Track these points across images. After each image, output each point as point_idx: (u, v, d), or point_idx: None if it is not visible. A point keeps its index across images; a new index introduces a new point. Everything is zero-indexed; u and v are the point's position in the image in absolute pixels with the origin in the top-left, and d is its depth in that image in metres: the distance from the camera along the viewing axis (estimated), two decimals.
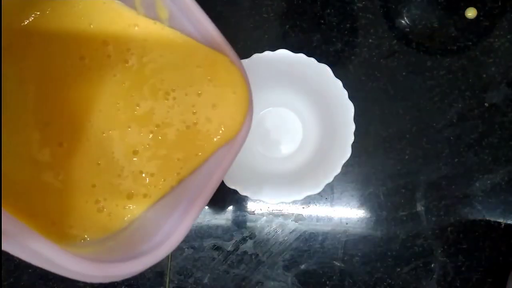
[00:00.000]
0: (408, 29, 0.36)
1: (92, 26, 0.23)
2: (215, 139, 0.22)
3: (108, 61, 0.23)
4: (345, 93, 0.30)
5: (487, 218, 0.35)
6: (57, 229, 0.21)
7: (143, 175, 0.23)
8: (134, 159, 0.23)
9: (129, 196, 0.22)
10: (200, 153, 0.22)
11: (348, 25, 0.36)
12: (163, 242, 0.18)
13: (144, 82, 0.23)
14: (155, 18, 0.23)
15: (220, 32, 0.22)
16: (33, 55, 0.23)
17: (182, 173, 0.22)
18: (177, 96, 0.23)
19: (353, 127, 0.30)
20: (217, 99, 0.22)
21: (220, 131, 0.22)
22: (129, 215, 0.22)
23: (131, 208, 0.22)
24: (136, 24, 0.23)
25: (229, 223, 0.35)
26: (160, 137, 0.23)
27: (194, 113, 0.23)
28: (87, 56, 0.23)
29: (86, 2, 0.23)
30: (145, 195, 0.22)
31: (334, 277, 0.35)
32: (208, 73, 0.22)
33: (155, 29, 0.23)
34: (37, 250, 0.14)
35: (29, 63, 0.23)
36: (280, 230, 0.35)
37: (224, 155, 0.22)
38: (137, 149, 0.23)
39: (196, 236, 0.35)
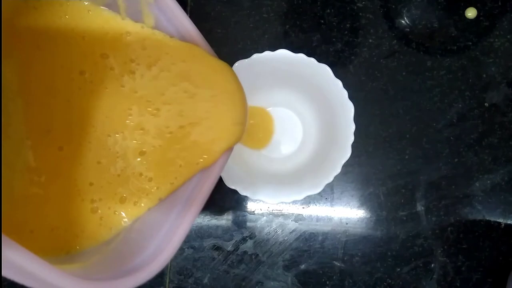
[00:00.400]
0: (408, 29, 0.36)
1: (85, 39, 0.22)
2: (217, 148, 0.22)
3: (112, 73, 0.22)
4: (345, 93, 0.30)
5: (487, 218, 0.35)
6: (55, 235, 0.21)
7: (142, 177, 0.22)
8: (138, 159, 0.22)
9: (122, 200, 0.22)
10: (201, 160, 0.22)
11: (348, 25, 0.36)
12: (156, 255, 0.18)
13: (164, 89, 0.22)
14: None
15: (206, 41, 0.22)
16: (30, 63, 0.22)
17: (176, 183, 0.22)
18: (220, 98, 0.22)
19: (353, 127, 0.30)
20: (232, 102, 0.22)
21: (224, 137, 0.22)
22: (117, 225, 0.22)
23: (121, 215, 0.22)
24: (128, 32, 0.23)
25: (229, 223, 0.35)
26: (179, 135, 0.22)
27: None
28: (87, 70, 0.22)
29: (72, 12, 0.22)
30: (135, 203, 0.22)
31: (334, 277, 0.35)
32: (225, 78, 0.22)
33: (148, 35, 0.22)
34: (29, 270, 0.14)
35: (27, 68, 0.22)
36: (280, 230, 0.35)
37: (215, 165, 0.21)
38: (144, 150, 0.22)
39: (196, 236, 0.35)
